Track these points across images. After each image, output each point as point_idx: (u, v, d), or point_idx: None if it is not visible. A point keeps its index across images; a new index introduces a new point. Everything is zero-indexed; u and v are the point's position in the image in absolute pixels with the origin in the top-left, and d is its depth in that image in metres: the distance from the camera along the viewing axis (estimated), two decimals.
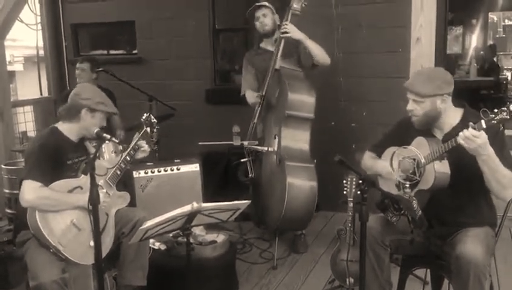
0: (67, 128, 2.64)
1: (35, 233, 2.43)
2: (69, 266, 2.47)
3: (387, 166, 2.42)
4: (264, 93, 3.67)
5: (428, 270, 2.76)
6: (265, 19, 3.73)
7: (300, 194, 3.42)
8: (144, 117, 2.92)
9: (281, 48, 3.56)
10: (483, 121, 2.01)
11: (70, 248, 2.43)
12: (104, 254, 2.31)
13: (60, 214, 2.46)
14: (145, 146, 2.80)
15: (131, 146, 2.79)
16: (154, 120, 2.94)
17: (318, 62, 3.59)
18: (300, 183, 3.43)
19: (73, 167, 2.63)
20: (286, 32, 3.49)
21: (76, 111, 2.61)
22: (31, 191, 2.39)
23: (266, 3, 3.73)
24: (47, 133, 2.66)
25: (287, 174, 3.39)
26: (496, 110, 1.99)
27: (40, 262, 2.41)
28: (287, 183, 3.37)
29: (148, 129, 2.88)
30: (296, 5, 3.50)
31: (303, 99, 3.51)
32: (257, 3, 3.77)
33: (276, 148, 3.57)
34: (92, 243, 2.48)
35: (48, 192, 2.43)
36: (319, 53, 3.56)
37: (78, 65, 4.41)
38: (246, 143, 3.70)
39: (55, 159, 2.52)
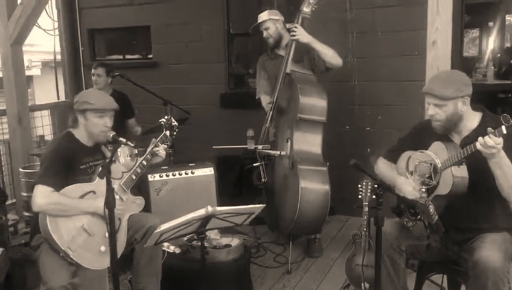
0: (79, 133, 2.67)
1: (45, 237, 2.45)
2: (82, 269, 2.48)
3: (407, 182, 2.37)
4: (275, 99, 3.68)
5: (445, 276, 2.72)
6: (268, 32, 3.75)
7: (313, 198, 3.41)
8: (164, 120, 2.89)
9: (291, 52, 3.56)
10: (503, 127, 1.96)
11: (80, 252, 2.44)
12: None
13: (70, 218, 2.47)
14: (161, 150, 2.78)
15: (148, 151, 2.78)
16: (175, 123, 2.90)
17: (330, 65, 3.57)
18: (313, 187, 3.41)
19: (87, 171, 2.64)
20: (294, 36, 3.50)
21: (74, 118, 2.64)
22: (42, 196, 2.42)
23: (265, 18, 3.73)
24: (61, 138, 2.69)
25: (300, 178, 3.37)
26: None
27: (50, 267, 2.43)
28: (300, 187, 3.36)
29: (168, 132, 2.87)
30: (306, 9, 3.49)
31: (314, 103, 3.50)
32: (258, 21, 3.76)
33: (288, 152, 3.56)
34: (102, 249, 2.50)
35: (59, 197, 2.45)
36: (329, 55, 3.55)
37: (93, 71, 4.46)
38: (260, 147, 3.71)
39: (67, 163, 2.53)
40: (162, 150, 2.80)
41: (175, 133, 2.92)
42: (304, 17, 3.52)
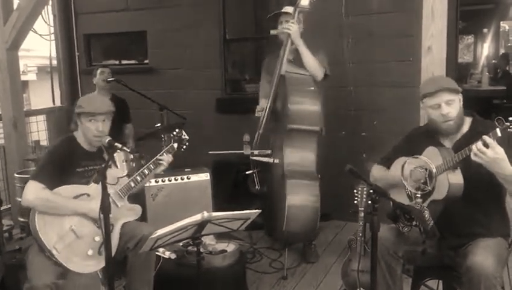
0: (80, 137, 2.69)
1: (33, 235, 2.46)
2: (74, 273, 2.47)
3: (398, 175, 2.39)
4: (269, 102, 3.51)
5: (441, 281, 2.72)
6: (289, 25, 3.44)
7: (301, 214, 3.34)
8: (174, 133, 2.80)
9: (286, 51, 3.37)
10: (498, 130, 1.97)
11: (66, 254, 2.43)
12: (104, 265, 2.31)
13: (59, 218, 2.47)
14: (165, 159, 2.74)
15: (153, 160, 2.73)
16: (186, 137, 2.81)
17: (309, 72, 3.41)
18: (301, 204, 3.34)
19: (84, 175, 2.63)
20: (288, 29, 3.30)
21: (75, 121, 2.68)
22: (32, 192, 2.44)
23: (291, 11, 3.46)
24: (62, 139, 2.72)
25: (287, 194, 3.31)
26: (511, 119, 1.95)
27: (36, 266, 2.43)
28: (287, 205, 3.30)
29: (176, 145, 2.79)
30: (303, 2, 3.29)
31: (306, 111, 3.33)
32: (283, 11, 3.54)
33: (280, 161, 3.48)
34: (89, 252, 2.50)
35: (50, 194, 2.46)
36: (312, 64, 3.38)
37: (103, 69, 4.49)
38: (256, 152, 3.69)
39: (64, 164, 2.55)
40: (166, 159, 2.75)
41: (184, 147, 2.82)
42: (301, 11, 3.34)
